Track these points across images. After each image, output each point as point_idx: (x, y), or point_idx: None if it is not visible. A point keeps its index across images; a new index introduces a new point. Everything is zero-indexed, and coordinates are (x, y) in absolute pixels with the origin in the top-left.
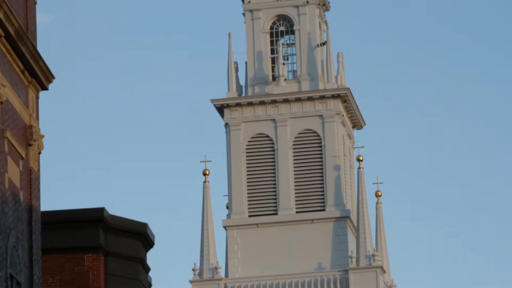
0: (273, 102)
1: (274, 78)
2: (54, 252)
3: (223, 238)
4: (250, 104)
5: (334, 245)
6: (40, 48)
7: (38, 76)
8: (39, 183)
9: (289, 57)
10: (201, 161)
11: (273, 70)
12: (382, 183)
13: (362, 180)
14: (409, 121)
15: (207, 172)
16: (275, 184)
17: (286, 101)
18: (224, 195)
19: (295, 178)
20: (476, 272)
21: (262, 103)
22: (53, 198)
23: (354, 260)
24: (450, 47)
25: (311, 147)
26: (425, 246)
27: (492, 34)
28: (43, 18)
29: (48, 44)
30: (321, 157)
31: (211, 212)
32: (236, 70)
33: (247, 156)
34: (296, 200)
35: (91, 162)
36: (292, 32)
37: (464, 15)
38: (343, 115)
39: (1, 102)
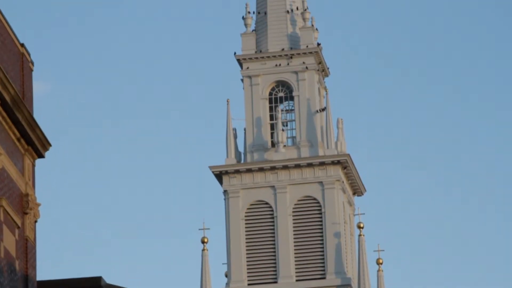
0: (272, 168)
1: (273, 145)
2: None
3: None
4: (249, 171)
5: None
6: (37, 115)
7: (35, 144)
8: (35, 252)
9: (288, 123)
10: (199, 229)
11: (272, 137)
12: (383, 250)
13: (363, 247)
14: (410, 188)
15: (205, 240)
16: (274, 251)
17: (285, 167)
18: (223, 263)
19: (295, 246)
20: None
21: (261, 169)
22: (50, 267)
23: None
24: (452, 110)
25: (311, 214)
26: None
27: (495, 96)
28: (40, 86)
29: (45, 112)
30: (321, 224)
31: (209, 280)
32: (235, 136)
33: (246, 223)
34: (296, 268)
35: (88, 230)
36: (291, 98)
37: (463, 73)
38: (343, 182)
39: None
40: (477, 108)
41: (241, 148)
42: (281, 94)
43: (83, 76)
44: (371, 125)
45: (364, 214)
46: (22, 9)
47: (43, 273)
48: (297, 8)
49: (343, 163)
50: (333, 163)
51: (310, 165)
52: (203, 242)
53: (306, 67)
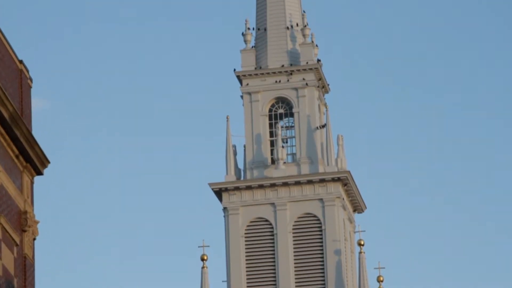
0: (272, 185)
1: (273, 161)
2: None
3: None
4: (248, 188)
5: None
6: (36, 132)
7: (33, 161)
8: (33, 270)
9: (288, 140)
10: (199, 246)
11: (272, 153)
12: (384, 268)
13: (363, 265)
14: (411, 205)
15: (205, 258)
16: (274, 269)
17: (285, 184)
18: (223, 281)
19: (295, 263)
20: None
21: (261, 186)
22: (48, 285)
23: None
24: (453, 126)
25: (311, 232)
26: None
27: (500, 114)
28: (39, 103)
29: (44, 129)
30: (321, 242)
31: None
32: (235, 153)
33: (246, 240)
34: (296, 286)
35: (87, 248)
36: (291, 115)
37: (464, 90)
38: (343, 199)
39: None
40: (480, 125)
41: (240, 165)
42: (281, 110)
43: (82, 93)
44: (371, 141)
45: (364, 231)
46: (21, 26)
47: None
48: (297, 24)
49: (344, 180)
50: (333, 180)
51: (310, 182)
52: (202, 259)
53: (306, 84)
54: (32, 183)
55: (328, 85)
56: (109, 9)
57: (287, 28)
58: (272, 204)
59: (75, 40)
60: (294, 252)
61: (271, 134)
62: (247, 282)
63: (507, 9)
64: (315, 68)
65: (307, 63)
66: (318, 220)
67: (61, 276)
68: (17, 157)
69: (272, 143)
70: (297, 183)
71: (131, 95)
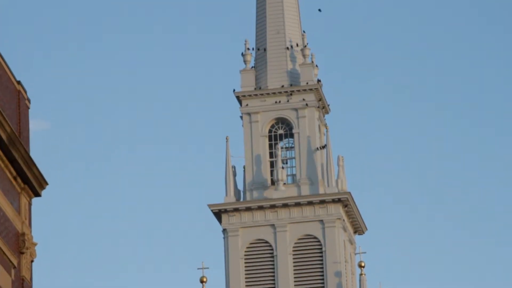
0: (272, 207)
1: (273, 183)
2: None
3: None
4: (248, 209)
5: None
6: (34, 154)
7: (31, 182)
8: None
9: (288, 160)
10: (198, 268)
11: (272, 174)
12: None
13: (364, 287)
14: (413, 226)
15: (204, 280)
16: None
17: (285, 206)
18: None
19: (295, 285)
20: None
21: (260, 208)
22: None
23: None
24: (455, 146)
25: (311, 253)
26: None
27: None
28: (37, 124)
29: (42, 150)
30: (321, 263)
31: None
32: (234, 174)
33: (245, 262)
34: None
35: (85, 270)
36: (291, 135)
37: (467, 108)
38: (344, 220)
39: None
40: (485, 147)
41: (240, 186)
42: (280, 131)
43: (81, 114)
44: (372, 162)
45: (365, 253)
46: (19, 47)
47: None
48: (297, 45)
49: (344, 201)
50: (333, 201)
51: (310, 203)
52: (202, 281)
53: (306, 104)
54: (30, 204)
55: (329, 105)
56: (108, 31)
57: (287, 48)
58: (272, 225)
59: (75, 61)
60: (294, 274)
61: (271, 155)
62: None
63: (507, 9)
64: (315, 88)
65: (307, 83)
66: (319, 241)
67: None
68: (15, 178)
69: (272, 164)
70: (297, 204)
71: (129, 116)
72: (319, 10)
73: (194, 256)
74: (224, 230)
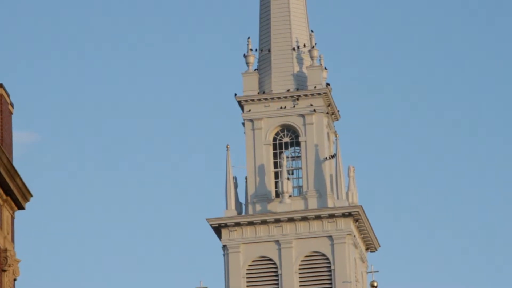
0: (277, 221)
1: (277, 195)
2: None
3: None
4: (250, 223)
5: None
6: (19, 164)
7: (14, 194)
8: None
9: (294, 171)
10: None
11: (276, 186)
12: None
13: None
14: (428, 243)
15: None
16: None
17: (291, 220)
18: None
19: None
20: None
21: (264, 222)
22: None
23: None
24: (468, 152)
25: (319, 272)
26: None
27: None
28: (25, 136)
29: (29, 162)
30: (330, 283)
31: None
32: (235, 186)
33: (247, 281)
34: None
35: None
36: (298, 144)
37: (478, 114)
38: (354, 236)
39: None
40: (499, 159)
41: (242, 199)
42: (286, 139)
43: (69, 125)
44: (385, 173)
45: (378, 271)
46: (5, 54)
47: None
48: (304, 45)
49: (355, 215)
50: (343, 215)
51: (318, 217)
52: None
53: (314, 110)
54: (13, 218)
55: (338, 111)
56: (103, 36)
57: (293, 49)
58: (277, 241)
59: (64, 74)
60: None
61: (276, 165)
62: None
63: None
64: (324, 93)
65: (315, 87)
66: (327, 259)
67: None
68: None
69: (277, 175)
70: (304, 218)
71: (122, 126)
72: None
73: (192, 275)
74: (224, 247)
